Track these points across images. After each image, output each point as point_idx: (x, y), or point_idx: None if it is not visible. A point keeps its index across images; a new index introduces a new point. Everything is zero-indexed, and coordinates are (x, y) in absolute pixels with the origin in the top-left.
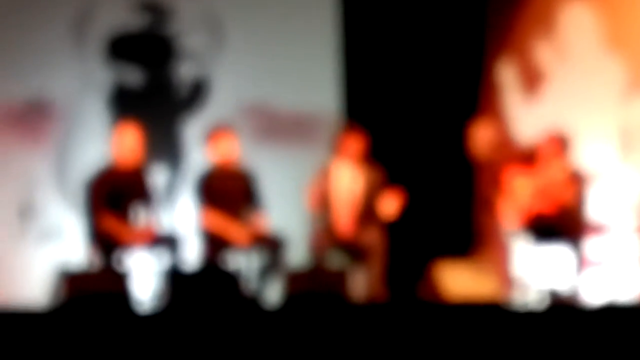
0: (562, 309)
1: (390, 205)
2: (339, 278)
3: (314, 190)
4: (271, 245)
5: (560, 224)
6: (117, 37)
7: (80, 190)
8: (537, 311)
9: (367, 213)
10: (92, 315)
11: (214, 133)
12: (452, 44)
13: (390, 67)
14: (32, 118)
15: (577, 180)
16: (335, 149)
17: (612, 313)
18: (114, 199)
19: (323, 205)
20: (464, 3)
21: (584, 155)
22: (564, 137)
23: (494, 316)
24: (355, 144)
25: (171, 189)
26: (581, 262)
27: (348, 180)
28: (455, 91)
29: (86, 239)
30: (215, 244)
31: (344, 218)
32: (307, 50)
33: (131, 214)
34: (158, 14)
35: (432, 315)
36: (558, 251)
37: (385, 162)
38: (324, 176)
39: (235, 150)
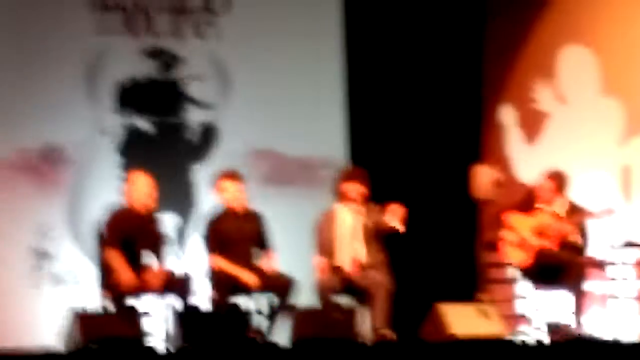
0: (566, 344)
1: (394, 218)
2: (346, 318)
3: (319, 232)
4: (280, 287)
5: (562, 261)
6: (127, 85)
7: (93, 233)
8: (542, 345)
9: (371, 253)
10: (105, 356)
11: (222, 177)
12: (451, 88)
13: (393, 112)
14: (45, 165)
15: (576, 218)
16: (338, 192)
17: (614, 349)
18: (126, 243)
19: (328, 247)
20: (461, 46)
21: (584, 194)
22: (562, 175)
23: (498, 351)
24: (357, 187)
25: (182, 233)
26: (584, 298)
27: (351, 222)
28: (458, 134)
29: (99, 282)
30: (224, 286)
31: (348, 259)
32: (313, 96)
33: (143, 258)
34: (166, 61)
35: (438, 355)
36: (561, 288)
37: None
38: (328, 219)
39: (243, 193)
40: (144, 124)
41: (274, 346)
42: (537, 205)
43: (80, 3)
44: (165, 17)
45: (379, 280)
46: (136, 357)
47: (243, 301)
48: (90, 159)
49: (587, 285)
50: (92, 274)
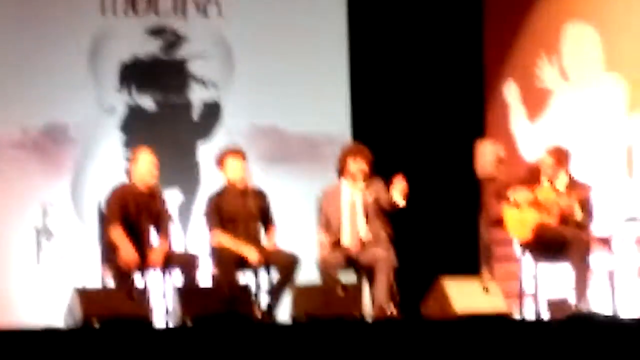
0: (567, 320)
1: (397, 193)
2: (348, 295)
3: (321, 209)
4: (283, 264)
5: (564, 237)
6: (130, 64)
7: (96, 210)
8: (542, 321)
9: (374, 229)
10: (107, 334)
11: (225, 154)
12: (453, 65)
13: (396, 89)
14: (49, 144)
15: (578, 193)
16: (341, 169)
17: (616, 325)
18: (128, 220)
19: (331, 223)
20: (462, 23)
21: (587, 171)
22: (564, 151)
23: (501, 328)
24: (360, 163)
25: (185, 211)
26: (586, 274)
27: (353, 198)
28: (461, 111)
29: (101, 259)
30: (227, 263)
31: (351, 236)
32: (316, 72)
33: (145, 235)
34: (169, 40)
35: (439, 331)
36: (564, 264)
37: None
38: (330, 195)
39: (246, 170)
40: (147, 102)
41: (275, 323)
42: (539, 181)
43: None
44: None
45: (382, 256)
46: (137, 334)
47: (245, 278)
48: (94, 138)
49: (590, 261)
50: (94, 252)
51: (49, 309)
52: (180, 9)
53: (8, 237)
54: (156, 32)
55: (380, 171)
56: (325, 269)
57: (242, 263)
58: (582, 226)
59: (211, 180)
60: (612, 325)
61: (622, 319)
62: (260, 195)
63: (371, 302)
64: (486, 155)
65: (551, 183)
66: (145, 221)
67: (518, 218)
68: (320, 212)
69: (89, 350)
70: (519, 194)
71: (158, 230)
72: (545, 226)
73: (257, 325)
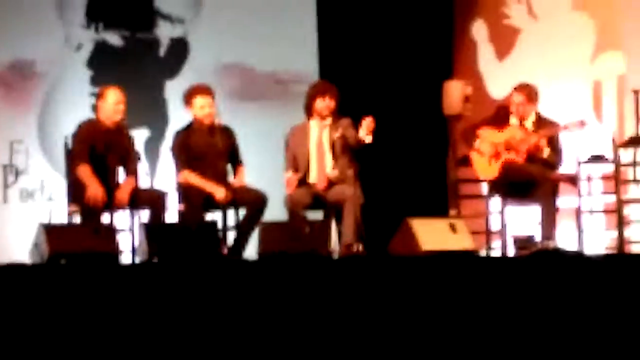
0: (533, 257)
1: (364, 132)
2: (314, 232)
3: (288, 147)
4: (251, 201)
5: (531, 175)
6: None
7: (63, 148)
8: (509, 259)
9: (341, 168)
10: (74, 270)
11: (193, 91)
12: (423, 3)
13: (364, 27)
14: (15, 80)
15: (547, 131)
16: (308, 107)
17: (581, 261)
18: (95, 157)
19: (298, 161)
20: None
21: (555, 109)
22: (532, 88)
23: (467, 264)
24: (328, 102)
25: (153, 148)
26: (554, 213)
27: (320, 137)
28: (429, 49)
29: (68, 197)
30: (194, 200)
31: (318, 174)
32: (284, 10)
33: (112, 172)
34: None
35: (406, 269)
36: (531, 203)
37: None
38: (297, 133)
39: (214, 107)
40: (114, 39)
41: (242, 259)
42: (507, 120)
43: None
44: None
45: (349, 194)
46: (104, 271)
47: (213, 216)
48: (61, 74)
49: (557, 200)
50: (61, 189)
51: (15, 247)
52: None
53: None
54: None
55: (348, 109)
56: (293, 207)
57: (209, 201)
58: (550, 164)
59: (179, 118)
60: (578, 261)
61: (587, 255)
62: (227, 133)
63: (338, 239)
64: (454, 94)
65: (520, 121)
66: (112, 158)
67: (486, 157)
68: (288, 150)
69: (54, 286)
70: (484, 144)
71: (125, 168)
72: (512, 165)
73: (223, 262)
